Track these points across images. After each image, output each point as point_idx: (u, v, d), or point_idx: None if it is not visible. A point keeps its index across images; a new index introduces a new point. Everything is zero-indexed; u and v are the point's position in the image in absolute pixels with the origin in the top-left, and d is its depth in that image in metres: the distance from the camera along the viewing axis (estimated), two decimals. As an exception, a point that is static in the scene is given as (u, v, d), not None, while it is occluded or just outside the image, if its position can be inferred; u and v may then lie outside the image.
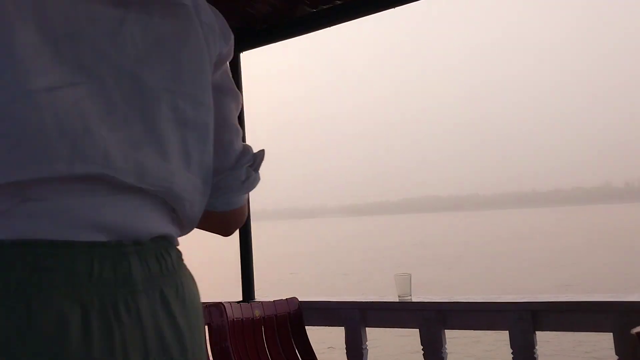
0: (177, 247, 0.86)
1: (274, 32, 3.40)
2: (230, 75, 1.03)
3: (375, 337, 3.13)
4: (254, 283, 3.34)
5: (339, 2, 3.16)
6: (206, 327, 2.56)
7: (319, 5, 3.19)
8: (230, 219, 1.02)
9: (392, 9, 3.18)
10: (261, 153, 1.04)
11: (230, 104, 1.01)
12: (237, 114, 1.03)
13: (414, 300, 2.91)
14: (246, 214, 1.07)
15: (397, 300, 2.93)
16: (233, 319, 2.75)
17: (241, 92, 3.39)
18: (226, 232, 1.07)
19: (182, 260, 0.86)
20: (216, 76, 0.96)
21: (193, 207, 0.86)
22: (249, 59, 3.58)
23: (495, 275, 23.12)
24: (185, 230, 0.90)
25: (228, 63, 1.01)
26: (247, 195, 1.03)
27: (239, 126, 1.03)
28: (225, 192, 0.98)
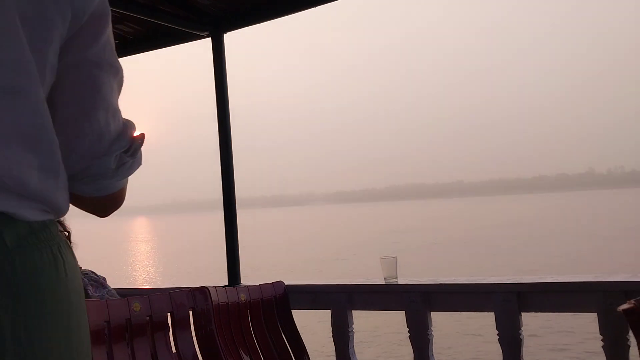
0: (30, 223, 0.79)
1: (257, 13, 3.34)
2: (114, 48, 0.96)
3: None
4: (239, 268, 3.32)
5: (323, -18, 3.11)
6: (190, 311, 2.53)
7: (305, -15, 3.14)
8: (105, 202, 1.00)
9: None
10: (140, 138, 0.98)
11: (109, 81, 0.94)
12: (119, 94, 0.97)
13: (399, 282, 2.90)
14: (124, 195, 1.03)
15: (383, 283, 2.93)
16: (218, 303, 2.72)
17: (224, 74, 3.29)
18: (103, 214, 1.04)
19: (37, 237, 0.79)
20: (93, 48, 0.91)
21: (23, 182, 0.79)
22: (234, 40, 3.52)
23: (480, 259, 23.34)
24: (51, 209, 0.84)
25: (111, 37, 0.96)
26: (124, 180, 0.99)
27: (117, 106, 0.96)
28: (95, 180, 0.95)
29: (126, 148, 0.96)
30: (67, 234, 2.27)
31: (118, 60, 0.96)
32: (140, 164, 1.00)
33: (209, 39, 3.40)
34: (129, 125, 0.98)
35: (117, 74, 0.95)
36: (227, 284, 3.30)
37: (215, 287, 2.83)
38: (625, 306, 1.56)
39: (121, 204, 1.03)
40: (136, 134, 0.98)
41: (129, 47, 3.74)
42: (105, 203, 0.99)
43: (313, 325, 4.73)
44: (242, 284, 3.24)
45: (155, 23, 3.37)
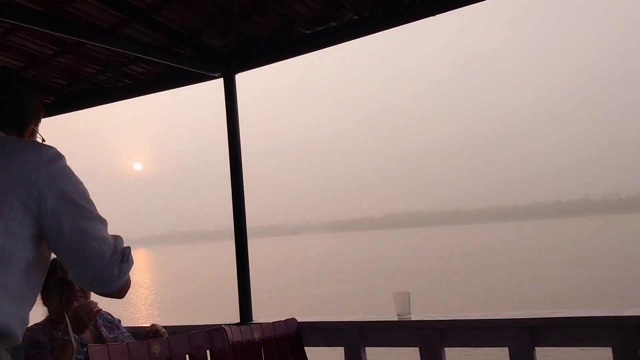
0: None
1: (269, 54, 3.42)
2: (80, 197, 1.35)
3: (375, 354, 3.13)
4: (251, 305, 3.33)
5: (333, 24, 3.20)
6: (208, 351, 2.54)
7: (314, 27, 3.23)
8: (119, 291, 1.40)
9: (383, 32, 3.23)
10: (127, 249, 1.38)
11: (88, 223, 1.33)
12: (100, 225, 1.36)
13: (413, 319, 2.91)
14: (129, 280, 1.43)
15: (397, 319, 2.94)
16: (233, 342, 2.72)
17: (236, 113, 3.38)
18: (120, 297, 1.43)
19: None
20: (56, 205, 1.29)
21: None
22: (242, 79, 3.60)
23: (476, 286, 23.26)
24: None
25: (68, 191, 1.33)
26: (127, 275, 1.40)
27: (104, 234, 1.35)
28: (105, 284, 1.36)
29: (121, 258, 1.36)
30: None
31: (88, 204, 1.36)
32: (132, 262, 1.40)
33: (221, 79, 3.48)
34: (118, 240, 1.38)
35: (90, 215, 1.35)
36: (239, 321, 3.31)
37: (230, 325, 2.85)
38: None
39: (129, 286, 1.43)
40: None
41: (141, 87, 3.81)
42: (120, 291, 1.40)
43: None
44: (254, 321, 3.25)
45: (167, 64, 3.45)
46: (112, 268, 1.32)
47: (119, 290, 1.38)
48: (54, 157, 1.32)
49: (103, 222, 1.37)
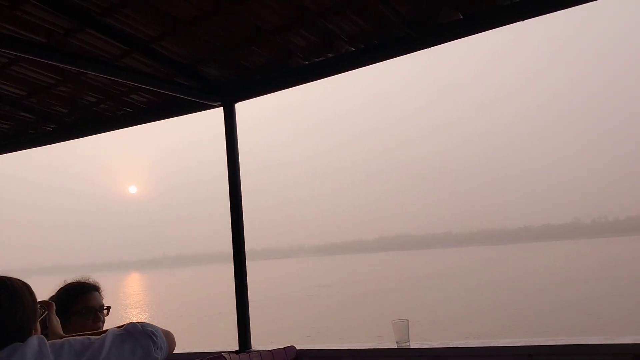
0: None
1: (268, 84, 3.48)
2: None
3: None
4: (250, 332, 3.33)
5: (330, 55, 3.28)
6: (208, 380, 2.54)
7: (312, 58, 3.30)
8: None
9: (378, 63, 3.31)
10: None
11: None
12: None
13: (412, 346, 2.93)
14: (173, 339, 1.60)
15: (396, 347, 2.96)
16: (233, 370, 2.73)
17: (236, 141, 3.44)
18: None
19: None
20: None
21: None
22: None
23: (469, 309, 23.23)
24: None
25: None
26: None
27: None
28: None
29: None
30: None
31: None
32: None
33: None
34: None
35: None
36: (237, 348, 3.31)
37: (229, 353, 2.85)
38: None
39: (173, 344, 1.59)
40: None
41: (141, 116, 3.86)
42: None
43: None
44: (253, 349, 3.25)
45: (168, 94, 3.50)
46: None
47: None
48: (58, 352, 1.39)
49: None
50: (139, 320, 1.55)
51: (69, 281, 2.38)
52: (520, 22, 2.86)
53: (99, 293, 2.35)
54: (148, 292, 67.21)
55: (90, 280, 2.40)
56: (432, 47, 3.12)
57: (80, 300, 2.26)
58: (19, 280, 1.51)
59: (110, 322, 2.30)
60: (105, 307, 2.32)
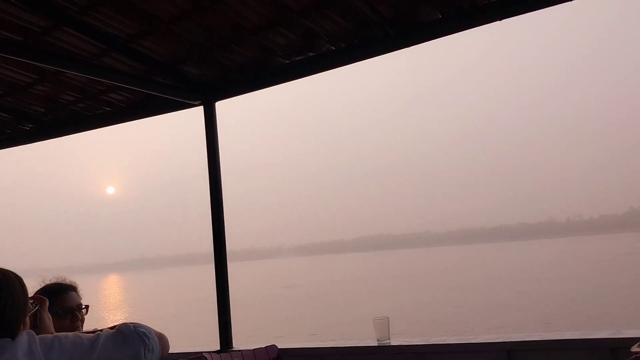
0: None
1: (248, 83, 3.48)
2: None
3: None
4: (231, 332, 3.32)
5: (311, 54, 3.28)
6: (189, 379, 2.53)
7: (292, 57, 3.30)
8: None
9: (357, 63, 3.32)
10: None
11: None
12: None
13: (392, 343, 2.95)
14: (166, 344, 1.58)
15: (377, 344, 2.98)
16: (214, 370, 2.72)
17: (216, 140, 3.43)
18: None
19: None
20: None
21: None
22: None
23: (448, 307, 23.46)
24: None
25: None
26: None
27: None
28: None
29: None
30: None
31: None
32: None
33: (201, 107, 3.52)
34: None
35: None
36: (218, 348, 3.30)
37: (210, 353, 2.84)
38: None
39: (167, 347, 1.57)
40: None
41: (120, 115, 3.82)
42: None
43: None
44: (234, 348, 3.25)
45: (147, 92, 3.47)
46: None
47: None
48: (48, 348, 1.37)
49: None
50: (132, 321, 1.52)
51: (47, 282, 2.36)
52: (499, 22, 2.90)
53: (77, 293, 2.33)
54: (127, 293, 66.51)
55: (67, 280, 2.38)
56: (411, 46, 3.14)
57: (57, 301, 2.24)
58: (12, 272, 1.47)
59: (90, 323, 2.28)
60: (83, 306, 2.29)
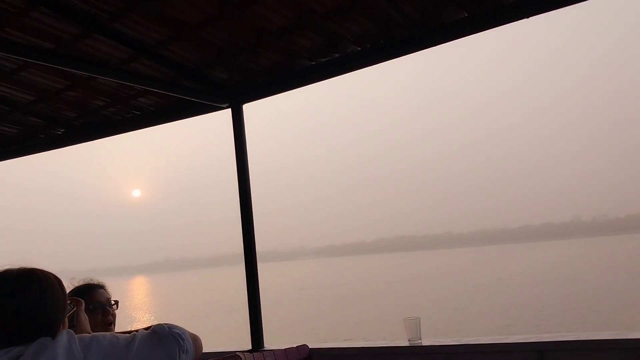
0: None
1: (275, 85, 3.50)
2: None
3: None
4: (262, 332, 3.35)
5: (336, 55, 3.29)
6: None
7: (318, 58, 3.32)
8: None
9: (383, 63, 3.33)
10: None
11: None
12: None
13: (423, 344, 2.95)
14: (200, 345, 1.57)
15: (407, 345, 2.97)
16: (247, 370, 2.74)
17: (244, 141, 3.46)
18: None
19: None
20: None
21: None
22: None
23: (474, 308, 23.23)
24: None
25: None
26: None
27: None
28: None
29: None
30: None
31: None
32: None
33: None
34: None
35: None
36: (250, 347, 3.33)
37: (243, 352, 2.87)
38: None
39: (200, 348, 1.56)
40: None
41: (150, 119, 3.88)
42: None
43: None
44: (266, 348, 3.27)
45: (176, 96, 3.52)
46: None
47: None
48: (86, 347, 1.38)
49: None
50: (167, 323, 1.55)
51: (76, 284, 2.41)
52: (525, 20, 2.89)
53: (105, 290, 2.38)
54: (156, 294, 67.26)
55: (95, 280, 2.44)
56: (437, 46, 3.14)
57: (86, 298, 2.29)
58: (52, 274, 1.51)
59: (119, 322, 2.33)
60: (113, 302, 2.34)
